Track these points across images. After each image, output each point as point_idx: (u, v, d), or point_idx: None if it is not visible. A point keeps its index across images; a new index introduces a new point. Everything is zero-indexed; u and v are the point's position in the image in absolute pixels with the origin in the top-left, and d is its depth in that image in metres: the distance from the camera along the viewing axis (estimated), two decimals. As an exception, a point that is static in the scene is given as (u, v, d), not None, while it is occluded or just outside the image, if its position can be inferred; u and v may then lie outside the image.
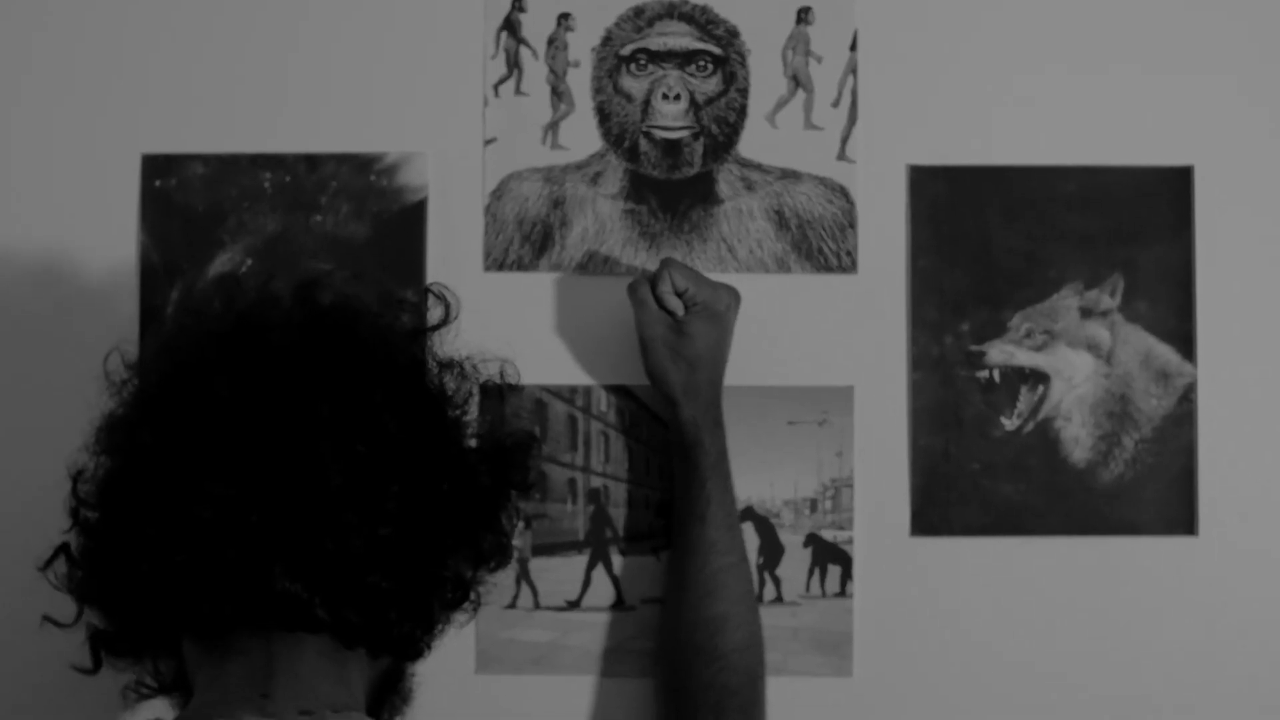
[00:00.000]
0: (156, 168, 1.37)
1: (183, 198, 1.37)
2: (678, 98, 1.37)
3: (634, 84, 1.37)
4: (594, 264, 1.36)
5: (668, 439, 1.32)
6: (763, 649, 1.26)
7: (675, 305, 1.26)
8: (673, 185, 1.36)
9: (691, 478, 1.26)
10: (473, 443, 1.11)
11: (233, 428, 0.99)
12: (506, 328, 1.34)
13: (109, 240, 1.37)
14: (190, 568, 0.98)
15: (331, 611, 0.99)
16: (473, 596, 1.10)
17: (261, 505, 0.97)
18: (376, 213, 1.37)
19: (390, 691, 1.10)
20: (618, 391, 1.35)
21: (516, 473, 1.13)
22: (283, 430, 0.99)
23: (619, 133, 1.37)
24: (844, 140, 1.36)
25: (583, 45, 1.37)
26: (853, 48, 1.36)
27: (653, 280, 1.26)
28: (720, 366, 1.28)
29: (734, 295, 1.28)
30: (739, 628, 1.24)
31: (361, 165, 1.37)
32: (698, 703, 1.22)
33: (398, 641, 1.04)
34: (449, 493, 1.04)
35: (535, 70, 1.37)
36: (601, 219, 1.36)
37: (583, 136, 1.37)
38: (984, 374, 1.34)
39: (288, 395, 1.00)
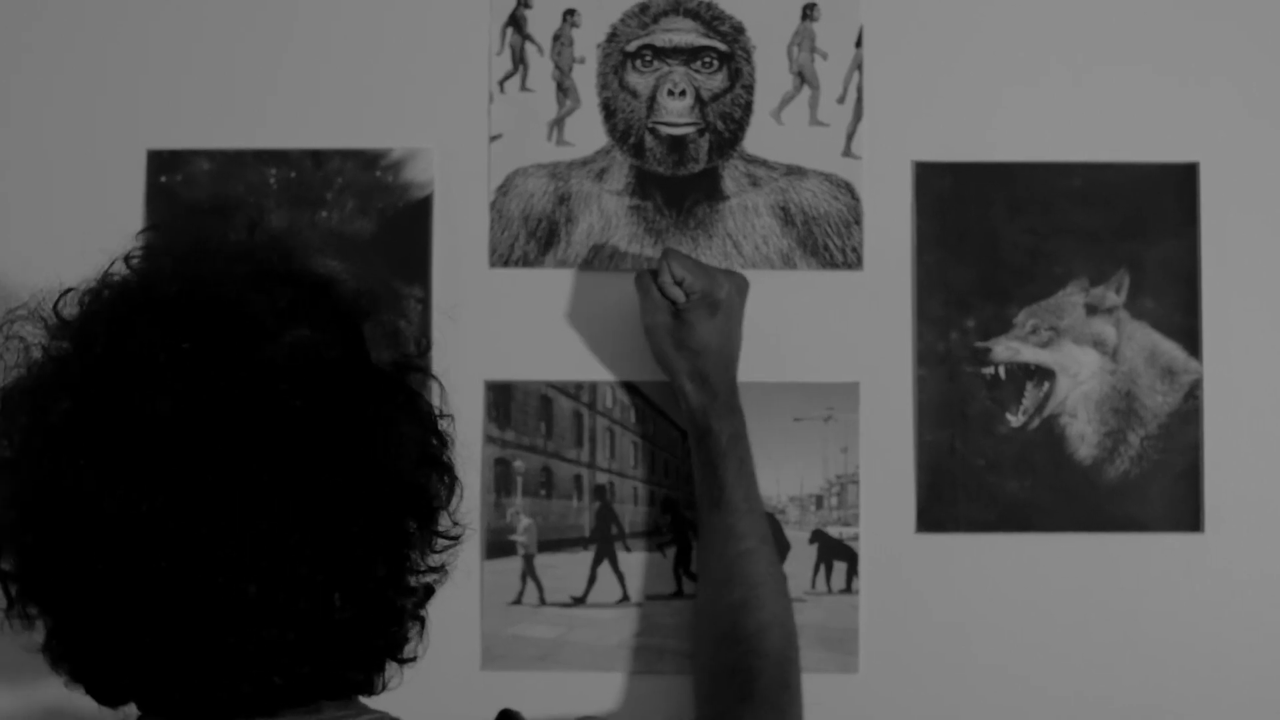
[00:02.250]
0: (161, 163, 1.37)
1: (188, 193, 1.37)
2: (683, 94, 1.37)
3: (639, 80, 1.37)
4: (599, 260, 1.36)
5: (674, 434, 1.32)
6: (792, 631, 1.25)
7: (676, 294, 1.26)
8: (678, 181, 1.36)
9: (704, 465, 1.26)
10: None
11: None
12: (512, 324, 1.35)
13: (113, 236, 1.37)
14: (150, 690, 0.91)
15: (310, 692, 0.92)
16: (437, 579, 0.98)
17: (224, 625, 0.86)
18: (382, 209, 1.37)
19: None
20: (623, 387, 1.35)
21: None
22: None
23: (624, 129, 1.37)
24: (849, 136, 1.36)
25: (588, 41, 1.37)
26: (858, 44, 1.36)
27: (654, 270, 1.26)
28: (729, 353, 1.28)
29: (737, 282, 1.28)
30: (760, 610, 1.23)
31: (367, 161, 1.37)
32: (726, 686, 1.22)
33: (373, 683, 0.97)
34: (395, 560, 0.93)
35: (540, 66, 1.37)
36: (607, 215, 1.36)
37: (588, 132, 1.37)
38: (989, 370, 1.34)
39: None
